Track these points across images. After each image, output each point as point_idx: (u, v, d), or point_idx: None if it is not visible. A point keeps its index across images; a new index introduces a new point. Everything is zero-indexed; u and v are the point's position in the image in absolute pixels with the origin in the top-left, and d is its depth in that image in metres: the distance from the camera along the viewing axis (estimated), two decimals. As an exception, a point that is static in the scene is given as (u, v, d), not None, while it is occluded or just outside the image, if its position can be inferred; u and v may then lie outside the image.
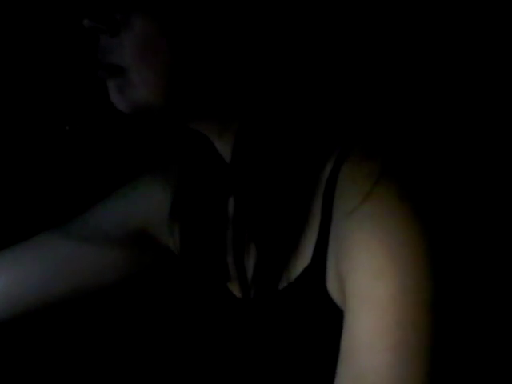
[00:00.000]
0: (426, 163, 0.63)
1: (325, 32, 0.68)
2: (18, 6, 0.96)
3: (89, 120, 0.94)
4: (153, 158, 0.90)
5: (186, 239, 0.82)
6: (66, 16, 0.95)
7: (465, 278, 0.63)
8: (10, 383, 1.03)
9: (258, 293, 0.70)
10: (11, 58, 0.97)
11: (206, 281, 0.79)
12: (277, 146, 0.67)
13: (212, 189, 0.81)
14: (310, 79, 0.67)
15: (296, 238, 0.68)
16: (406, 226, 0.58)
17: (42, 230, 0.87)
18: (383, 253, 0.58)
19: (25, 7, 0.96)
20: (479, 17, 0.85)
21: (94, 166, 1.03)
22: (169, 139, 0.84)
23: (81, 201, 0.93)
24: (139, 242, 0.86)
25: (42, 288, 0.84)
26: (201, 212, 0.81)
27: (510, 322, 0.78)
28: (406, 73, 0.82)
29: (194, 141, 0.79)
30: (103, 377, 1.06)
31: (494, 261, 0.78)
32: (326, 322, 0.64)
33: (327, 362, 0.62)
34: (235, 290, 0.76)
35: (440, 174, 0.64)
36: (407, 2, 0.83)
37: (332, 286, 0.64)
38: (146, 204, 0.86)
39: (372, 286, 0.58)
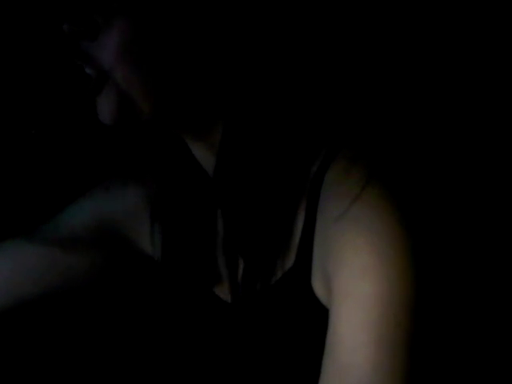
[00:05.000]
0: (412, 166, 0.64)
1: (311, 35, 0.68)
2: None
3: (56, 123, 0.94)
4: (125, 162, 0.90)
5: (168, 243, 0.82)
6: (39, 20, 0.95)
7: (453, 278, 0.63)
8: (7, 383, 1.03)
9: (245, 293, 0.70)
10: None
11: (191, 284, 0.79)
12: (261, 149, 0.67)
13: (193, 192, 0.81)
14: (297, 84, 0.67)
15: (281, 240, 0.68)
16: (392, 228, 0.59)
17: (12, 233, 0.87)
18: (369, 251, 0.59)
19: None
20: (479, 17, 0.85)
21: (62, 170, 1.02)
22: (145, 143, 0.84)
23: (51, 205, 0.92)
24: (111, 244, 0.86)
25: (9, 291, 0.85)
26: (183, 216, 0.81)
27: (505, 323, 0.78)
28: (394, 76, 0.82)
29: (173, 145, 0.80)
30: (89, 378, 1.06)
31: (488, 261, 0.78)
32: (312, 320, 0.65)
33: (313, 358, 0.63)
34: (220, 292, 0.76)
35: (427, 176, 0.64)
36: (402, 2, 0.83)
37: (318, 286, 0.64)
38: (119, 206, 0.86)
39: (357, 283, 0.58)
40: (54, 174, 1.02)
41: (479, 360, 0.74)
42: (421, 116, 0.82)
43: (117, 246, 0.87)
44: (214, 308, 0.76)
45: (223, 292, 0.75)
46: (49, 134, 0.96)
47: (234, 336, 0.73)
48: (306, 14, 0.68)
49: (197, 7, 0.65)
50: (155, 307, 0.90)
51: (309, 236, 0.66)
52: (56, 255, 0.85)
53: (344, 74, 0.71)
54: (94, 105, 0.70)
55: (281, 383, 0.68)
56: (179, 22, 0.65)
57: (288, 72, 0.67)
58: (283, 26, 0.67)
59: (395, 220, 0.59)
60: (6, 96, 0.94)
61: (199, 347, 0.78)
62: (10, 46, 0.95)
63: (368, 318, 0.57)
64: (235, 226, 0.69)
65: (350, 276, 0.59)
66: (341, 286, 0.60)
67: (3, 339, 1.01)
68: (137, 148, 0.87)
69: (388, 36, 0.82)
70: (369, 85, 0.75)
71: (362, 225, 0.59)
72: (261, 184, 0.67)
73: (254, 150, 0.67)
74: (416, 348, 0.57)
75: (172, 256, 0.82)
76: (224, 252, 0.73)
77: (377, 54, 0.79)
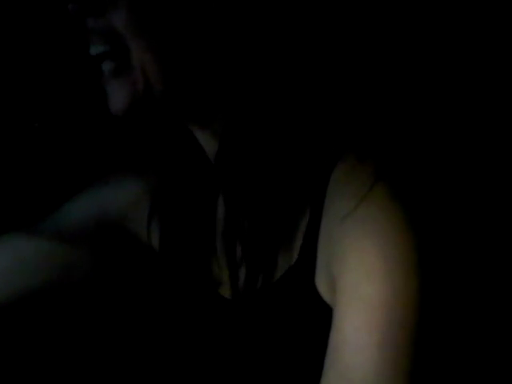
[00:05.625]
0: (420, 167, 0.63)
1: (321, 30, 0.67)
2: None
3: (59, 117, 0.94)
4: (127, 155, 0.89)
5: (167, 236, 0.82)
6: (41, 10, 0.94)
7: (460, 281, 0.63)
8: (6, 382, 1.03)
9: (246, 290, 0.70)
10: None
11: (190, 280, 0.79)
12: (266, 142, 0.67)
13: (195, 187, 0.81)
14: (304, 78, 0.67)
15: (284, 235, 0.68)
16: (398, 229, 0.59)
17: (12, 227, 0.87)
18: (375, 253, 0.59)
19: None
20: (479, 17, 0.85)
21: (64, 164, 1.02)
22: (147, 136, 0.84)
23: (51, 198, 0.92)
24: (110, 237, 0.86)
25: (8, 285, 0.84)
26: (183, 209, 0.80)
27: (508, 325, 0.77)
28: (401, 76, 0.82)
29: (176, 137, 0.79)
30: (87, 369, 1.05)
31: (493, 263, 0.78)
32: (315, 318, 0.65)
33: (315, 357, 0.63)
34: (221, 289, 0.76)
35: (434, 177, 0.64)
36: (405, 3, 0.83)
37: (322, 285, 0.64)
38: (119, 199, 0.86)
39: (362, 284, 0.58)
40: (55, 168, 1.02)
41: (480, 360, 0.74)
42: (427, 116, 0.81)
43: (116, 239, 0.87)
44: (213, 305, 0.76)
45: (224, 289, 0.75)
46: (51, 127, 0.95)
47: (235, 333, 0.73)
48: (311, 7, 0.67)
49: None
50: (153, 302, 0.90)
51: (313, 234, 0.66)
52: (55, 248, 0.85)
53: (352, 70, 0.71)
54: (97, 98, 0.70)
55: (282, 382, 0.68)
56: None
57: (294, 64, 0.66)
58: (289, 17, 0.66)
59: (402, 221, 0.59)
60: (8, 89, 0.94)
61: (198, 344, 0.77)
62: (13, 37, 0.95)
63: (372, 319, 0.57)
64: (237, 219, 0.69)
65: (356, 277, 0.59)
66: (346, 286, 0.60)
67: (2, 333, 1.01)
68: (139, 141, 0.87)
69: (392, 34, 0.81)
70: (375, 84, 0.74)
71: (368, 226, 0.59)
72: (263, 176, 0.67)
73: (258, 137, 0.67)
74: (419, 350, 0.57)
75: (171, 251, 0.82)
76: (225, 247, 0.72)
77: (382, 52, 0.78)
